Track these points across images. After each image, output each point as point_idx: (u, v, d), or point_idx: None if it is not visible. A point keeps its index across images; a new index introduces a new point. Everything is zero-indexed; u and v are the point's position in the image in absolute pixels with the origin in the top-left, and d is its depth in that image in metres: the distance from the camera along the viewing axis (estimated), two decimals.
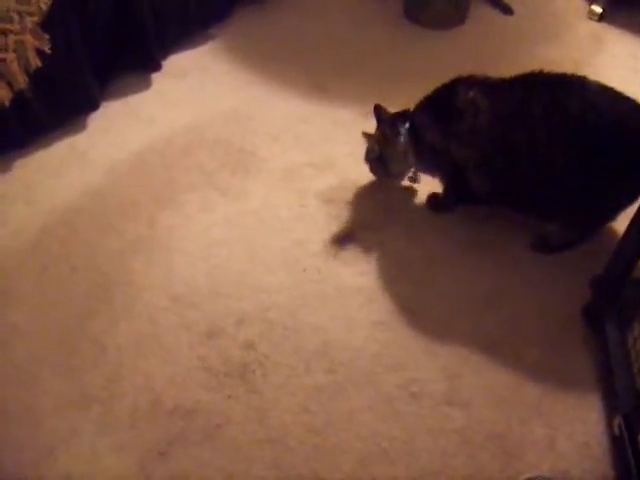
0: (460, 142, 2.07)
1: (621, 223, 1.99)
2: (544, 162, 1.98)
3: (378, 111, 2.28)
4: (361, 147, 2.29)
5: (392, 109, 2.26)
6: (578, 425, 1.78)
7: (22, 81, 2.32)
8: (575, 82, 1.99)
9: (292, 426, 1.78)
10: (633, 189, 1.97)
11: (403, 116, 2.24)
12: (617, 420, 1.69)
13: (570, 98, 1.94)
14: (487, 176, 2.09)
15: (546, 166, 1.98)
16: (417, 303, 2.05)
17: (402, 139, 2.22)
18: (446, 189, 2.25)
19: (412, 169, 2.32)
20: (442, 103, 2.13)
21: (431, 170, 2.26)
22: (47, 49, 2.34)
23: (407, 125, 2.22)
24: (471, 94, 2.04)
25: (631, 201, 1.96)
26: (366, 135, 2.31)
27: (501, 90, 2.04)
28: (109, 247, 2.19)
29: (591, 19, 3.19)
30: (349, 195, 2.36)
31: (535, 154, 1.98)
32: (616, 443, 1.70)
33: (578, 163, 1.93)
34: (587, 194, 1.98)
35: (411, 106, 2.22)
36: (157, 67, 2.85)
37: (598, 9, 3.16)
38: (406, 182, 2.37)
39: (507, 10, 3.23)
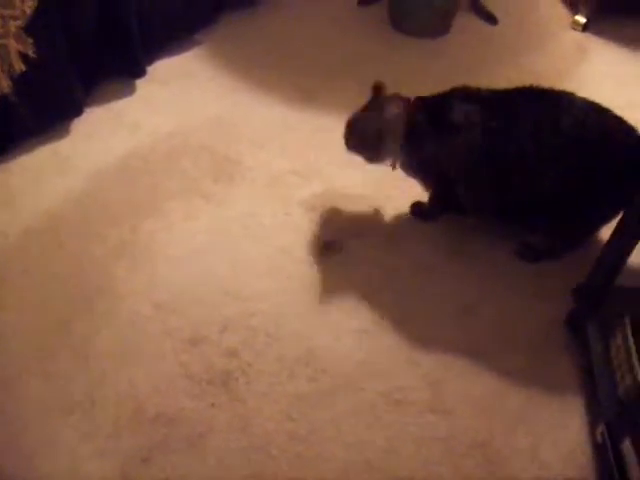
0: (451, 154, 2.07)
1: (604, 231, 2.00)
2: (532, 175, 1.99)
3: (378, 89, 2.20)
4: (346, 154, 2.27)
5: None
6: (561, 433, 1.78)
7: (6, 86, 2.31)
8: (563, 97, 2.01)
9: (275, 434, 1.77)
10: (618, 202, 1.98)
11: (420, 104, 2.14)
12: (600, 428, 1.69)
13: (560, 113, 1.96)
14: (476, 187, 2.09)
15: (534, 179, 1.99)
16: (401, 311, 2.05)
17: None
18: (432, 197, 2.25)
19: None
20: (437, 114, 2.11)
21: (417, 175, 2.24)
22: (31, 53, 2.32)
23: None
24: (466, 109, 2.03)
25: (615, 214, 1.96)
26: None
27: (493, 103, 2.05)
28: (91, 253, 2.17)
29: (575, 29, 3.21)
30: (333, 203, 2.36)
31: (524, 167, 1.99)
32: (599, 451, 1.70)
33: (566, 177, 1.95)
34: (573, 207, 2.00)
35: None
36: (142, 73, 2.83)
37: (582, 19, 3.18)
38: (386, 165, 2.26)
39: (491, 19, 3.24)
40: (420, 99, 2.15)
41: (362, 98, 2.22)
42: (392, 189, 2.37)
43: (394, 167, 2.23)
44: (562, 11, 3.32)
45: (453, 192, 2.13)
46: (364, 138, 2.20)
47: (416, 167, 2.21)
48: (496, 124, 2.01)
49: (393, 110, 2.13)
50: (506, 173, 2.02)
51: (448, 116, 2.06)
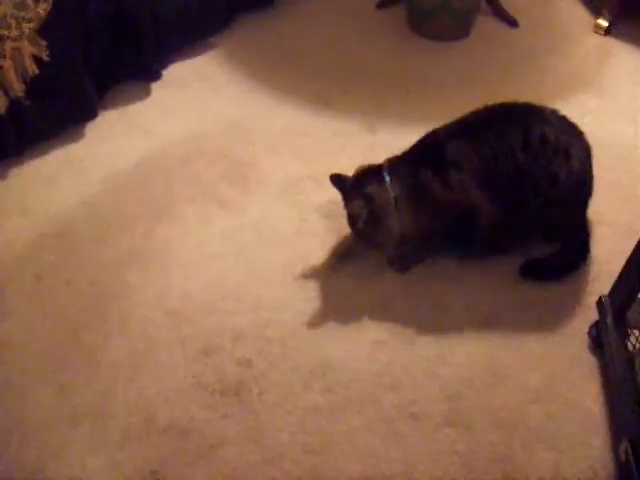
0: (472, 184, 2.00)
1: (631, 243, 1.95)
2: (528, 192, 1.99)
3: (338, 180, 2.08)
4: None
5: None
6: (583, 449, 1.74)
7: (18, 88, 2.29)
8: (536, 109, 2.02)
9: (288, 447, 1.74)
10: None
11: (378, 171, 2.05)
12: (623, 445, 1.64)
13: (544, 125, 1.97)
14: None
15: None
16: (418, 322, 2.01)
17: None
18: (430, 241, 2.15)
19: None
20: (432, 160, 2.01)
21: (431, 224, 2.09)
22: (44, 56, 2.30)
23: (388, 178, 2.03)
24: (458, 145, 1.98)
25: None
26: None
27: (479, 130, 2.01)
28: (104, 259, 2.15)
29: (597, 33, 3.16)
30: None
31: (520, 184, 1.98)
32: (622, 469, 1.65)
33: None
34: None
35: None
36: (157, 76, 2.82)
37: (604, 23, 3.14)
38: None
39: (512, 23, 3.20)
40: (395, 159, 2.07)
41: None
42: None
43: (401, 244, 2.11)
44: (584, 14, 3.27)
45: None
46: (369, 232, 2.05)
47: (430, 216, 2.08)
48: (489, 149, 1.97)
49: (376, 190, 2.02)
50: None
51: (443, 157, 1.98)
